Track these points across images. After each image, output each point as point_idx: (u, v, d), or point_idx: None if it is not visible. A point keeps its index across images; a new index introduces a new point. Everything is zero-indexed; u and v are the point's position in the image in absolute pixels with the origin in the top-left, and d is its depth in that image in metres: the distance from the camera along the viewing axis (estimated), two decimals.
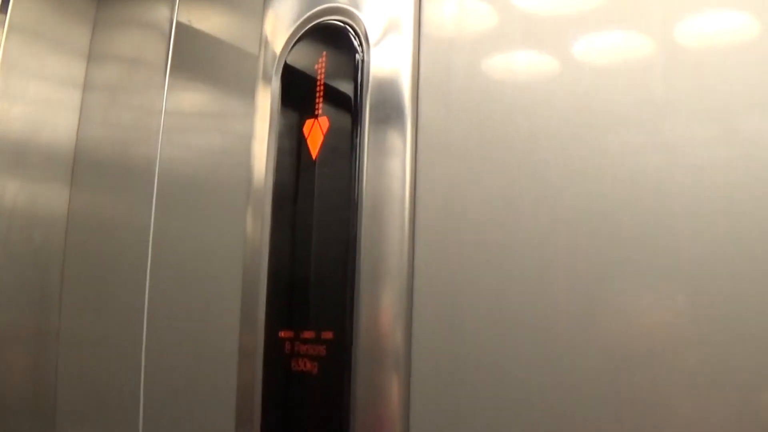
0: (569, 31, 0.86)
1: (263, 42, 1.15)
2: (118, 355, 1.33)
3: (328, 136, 1.03)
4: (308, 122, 1.05)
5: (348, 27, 1.04)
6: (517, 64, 0.91)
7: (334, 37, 1.06)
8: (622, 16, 0.83)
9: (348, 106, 1.01)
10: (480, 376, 0.86)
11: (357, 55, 1.02)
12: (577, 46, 0.86)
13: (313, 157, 1.04)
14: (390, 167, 0.97)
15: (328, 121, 1.03)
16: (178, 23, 1.35)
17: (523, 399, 0.83)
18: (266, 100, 1.13)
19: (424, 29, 0.99)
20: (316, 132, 1.04)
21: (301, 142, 1.05)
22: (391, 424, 0.91)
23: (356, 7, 1.04)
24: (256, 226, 1.10)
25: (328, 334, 0.97)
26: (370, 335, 0.95)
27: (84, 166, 1.48)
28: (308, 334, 0.99)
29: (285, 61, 1.11)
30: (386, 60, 1.00)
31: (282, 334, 1.02)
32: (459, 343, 0.88)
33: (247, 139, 1.14)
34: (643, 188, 0.78)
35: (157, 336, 1.27)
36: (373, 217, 0.97)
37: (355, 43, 1.02)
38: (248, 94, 1.16)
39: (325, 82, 1.06)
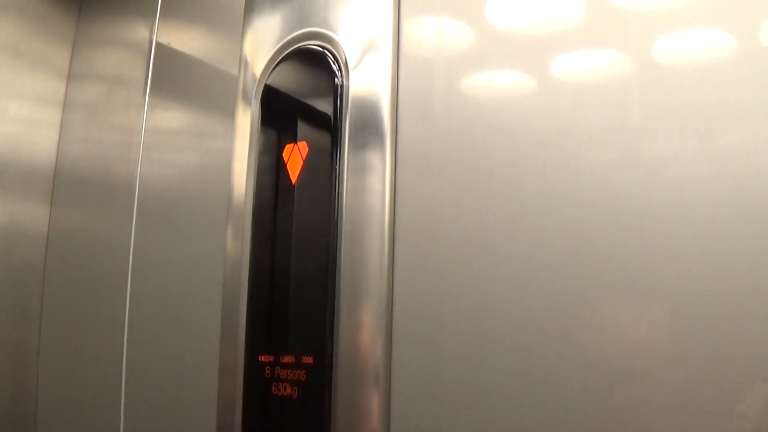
0: (548, 51, 0.87)
1: (243, 63, 1.16)
2: (99, 371, 1.33)
3: (308, 160, 1.03)
4: (288, 147, 1.05)
5: (326, 52, 1.04)
6: (496, 83, 0.92)
7: (313, 62, 1.06)
8: (600, 36, 0.84)
9: (327, 130, 1.01)
10: (459, 396, 0.87)
11: (336, 80, 1.02)
12: (555, 65, 0.87)
13: (293, 181, 1.04)
14: (369, 190, 0.97)
15: (308, 146, 1.03)
16: (157, 44, 1.35)
17: (502, 416, 0.83)
18: (246, 120, 1.13)
19: (403, 49, 0.99)
20: (295, 157, 1.04)
21: (280, 167, 1.05)
22: None
23: (334, 31, 1.05)
24: (236, 245, 1.10)
25: (308, 359, 0.97)
26: (350, 359, 0.95)
27: (64, 183, 1.47)
28: (288, 359, 0.99)
29: (265, 84, 1.11)
30: (365, 82, 1.00)
31: (262, 358, 1.02)
32: (439, 362, 0.89)
33: (227, 157, 1.14)
34: (622, 205, 0.79)
35: (138, 352, 1.26)
36: (352, 240, 0.97)
37: (334, 67, 1.03)
38: (227, 113, 1.16)
39: (304, 106, 1.06)
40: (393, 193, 0.96)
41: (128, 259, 1.30)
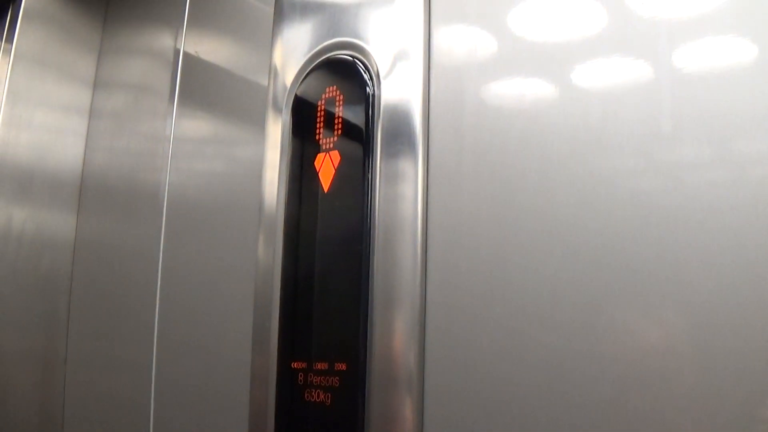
0: (577, 60, 0.88)
1: (272, 73, 1.16)
2: (127, 380, 1.33)
3: (340, 169, 1.04)
4: (320, 156, 1.06)
5: (358, 61, 1.05)
6: (525, 92, 0.92)
7: (345, 71, 1.07)
8: (627, 45, 0.85)
9: (360, 139, 1.02)
10: (492, 402, 0.87)
11: (367, 89, 1.03)
12: (584, 74, 0.87)
13: (325, 190, 1.04)
14: (402, 199, 0.97)
15: (340, 154, 1.04)
16: (184, 53, 1.36)
17: (535, 422, 0.84)
18: (277, 130, 1.13)
19: (434, 59, 1.00)
20: (327, 166, 1.05)
21: (312, 175, 1.06)
22: None
23: (365, 41, 1.05)
24: (268, 253, 1.10)
25: (341, 366, 0.98)
26: (383, 366, 0.95)
27: (91, 192, 1.48)
28: (321, 366, 1.00)
29: (295, 94, 1.11)
30: (397, 92, 1.01)
31: (295, 365, 1.03)
32: (472, 369, 0.89)
33: (257, 166, 1.15)
34: (646, 211, 0.80)
35: (168, 360, 1.27)
36: (385, 248, 0.97)
37: (366, 76, 1.03)
38: (257, 123, 1.17)
39: (336, 115, 1.06)
40: (425, 202, 0.96)
41: (157, 268, 1.31)
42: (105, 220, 1.47)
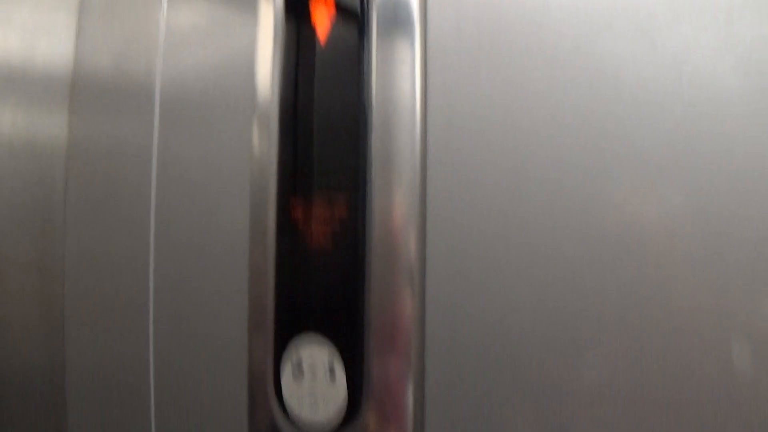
0: None
1: None
2: (126, 277, 1.34)
3: (336, 22, 1.03)
4: (314, 6, 1.05)
5: None
6: None
7: None
8: None
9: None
10: (493, 255, 0.89)
11: None
12: None
13: (322, 43, 1.04)
14: (400, 68, 0.98)
15: (335, 7, 1.03)
16: None
17: (531, 287, 0.86)
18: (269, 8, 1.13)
19: None
20: (322, 18, 1.04)
21: (309, 30, 1.05)
22: (407, 289, 0.94)
23: None
24: (263, 138, 1.10)
25: (342, 210, 0.99)
26: (382, 226, 0.97)
27: (83, 90, 1.47)
28: (321, 210, 1.00)
29: None
30: None
31: (293, 211, 1.03)
32: (472, 237, 0.92)
33: (252, 48, 1.15)
34: (651, 95, 0.82)
35: (165, 251, 1.28)
36: (384, 113, 0.98)
37: None
38: (250, 5, 1.17)
39: None
40: (423, 72, 0.96)
41: (152, 161, 1.30)
42: (98, 118, 1.45)
